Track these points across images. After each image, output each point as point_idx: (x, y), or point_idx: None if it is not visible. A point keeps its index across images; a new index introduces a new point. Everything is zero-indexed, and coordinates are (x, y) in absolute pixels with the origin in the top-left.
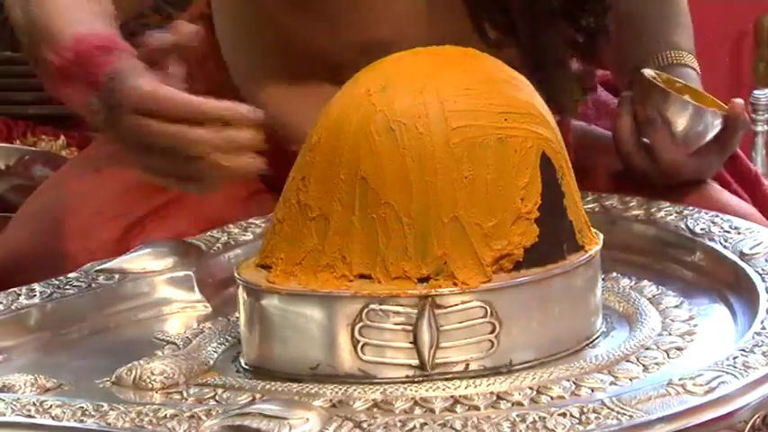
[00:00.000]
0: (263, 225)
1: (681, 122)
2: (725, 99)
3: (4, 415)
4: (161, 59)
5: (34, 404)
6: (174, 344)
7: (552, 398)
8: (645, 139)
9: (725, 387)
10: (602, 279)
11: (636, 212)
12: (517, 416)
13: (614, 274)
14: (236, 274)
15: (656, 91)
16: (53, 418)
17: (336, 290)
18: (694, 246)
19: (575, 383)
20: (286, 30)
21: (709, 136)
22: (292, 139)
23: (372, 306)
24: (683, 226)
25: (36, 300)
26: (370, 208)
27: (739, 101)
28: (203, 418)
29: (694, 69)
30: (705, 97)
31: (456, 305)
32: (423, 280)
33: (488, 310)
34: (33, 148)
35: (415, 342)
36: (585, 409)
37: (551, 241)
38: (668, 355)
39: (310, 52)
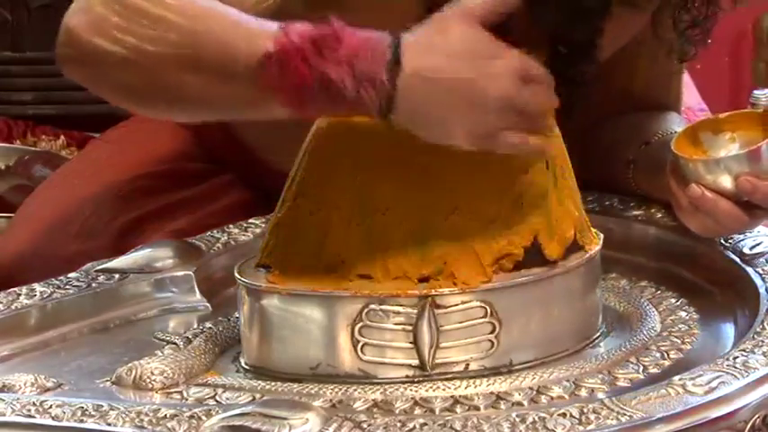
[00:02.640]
0: (263, 225)
1: (724, 180)
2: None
3: (4, 415)
4: None
5: (34, 404)
6: (174, 344)
7: (552, 398)
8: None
9: (725, 387)
10: (602, 279)
11: (636, 212)
12: (517, 416)
13: (614, 274)
14: (236, 274)
15: (683, 164)
16: (53, 418)
17: (336, 290)
18: (694, 246)
19: (575, 383)
20: None
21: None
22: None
23: (372, 306)
24: (682, 226)
25: (36, 300)
26: (370, 208)
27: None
28: (203, 418)
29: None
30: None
31: (456, 305)
32: (423, 280)
33: (488, 310)
34: (33, 148)
35: (415, 342)
36: (585, 410)
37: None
38: (668, 355)
39: None
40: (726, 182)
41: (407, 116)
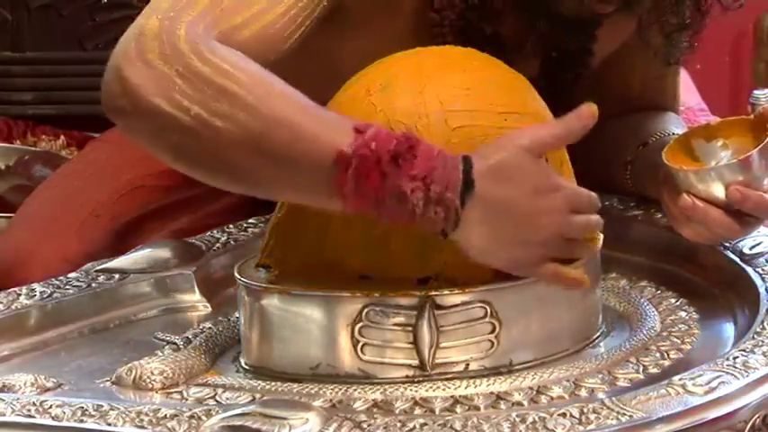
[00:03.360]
0: (262, 225)
1: (717, 190)
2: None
3: (4, 415)
4: None
5: (34, 404)
6: (174, 344)
7: (552, 398)
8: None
9: (725, 387)
10: (602, 279)
11: (636, 212)
12: (517, 416)
13: (614, 274)
14: (236, 274)
15: (674, 175)
16: (53, 418)
17: (336, 290)
18: (694, 246)
19: (575, 383)
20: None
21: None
22: None
23: (372, 306)
24: None
25: (36, 300)
26: None
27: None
28: (203, 418)
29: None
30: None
31: (456, 305)
32: (423, 280)
33: (488, 310)
34: (33, 148)
35: (415, 342)
36: (585, 409)
37: None
38: (668, 355)
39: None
40: (717, 191)
41: (463, 236)
